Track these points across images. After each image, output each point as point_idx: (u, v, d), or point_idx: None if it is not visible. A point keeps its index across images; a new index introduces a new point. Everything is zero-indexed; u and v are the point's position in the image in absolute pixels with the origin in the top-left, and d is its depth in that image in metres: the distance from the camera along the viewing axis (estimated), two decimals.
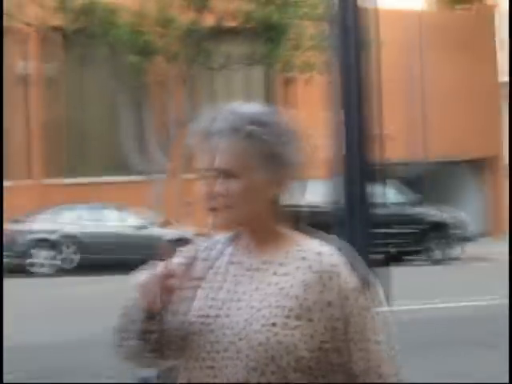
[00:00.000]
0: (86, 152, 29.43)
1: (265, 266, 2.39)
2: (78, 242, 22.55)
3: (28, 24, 25.54)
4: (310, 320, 2.29)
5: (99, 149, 29.33)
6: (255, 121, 2.33)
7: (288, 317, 2.28)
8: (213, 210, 2.36)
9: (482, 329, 12.48)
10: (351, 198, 3.82)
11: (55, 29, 26.21)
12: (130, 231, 23.35)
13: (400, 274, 19.24)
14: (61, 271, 22.10)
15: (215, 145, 2.32)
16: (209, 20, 26.13)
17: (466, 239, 26.79)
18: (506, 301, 14.55)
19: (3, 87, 26.82)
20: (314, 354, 2.28)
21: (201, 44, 26.56)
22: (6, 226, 22.24)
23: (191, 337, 2.39)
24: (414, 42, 29.50)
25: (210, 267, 2.47)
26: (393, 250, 23.49)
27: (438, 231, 25.90)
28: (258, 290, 2.35)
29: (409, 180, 30.27)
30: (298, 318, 2.28)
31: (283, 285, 2.32)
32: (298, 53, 26.32)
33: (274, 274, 2.35)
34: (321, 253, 2.34)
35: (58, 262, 22.72)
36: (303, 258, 2.34)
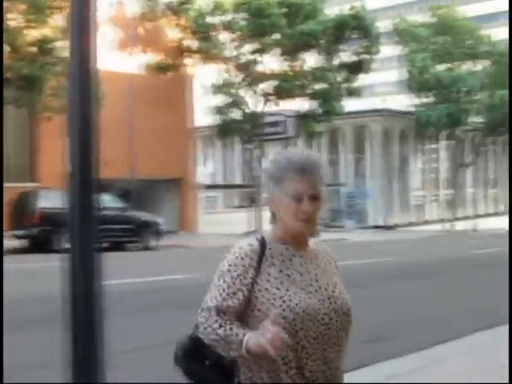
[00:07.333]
0: None
1: (318, 257, 2.56)
2: None
3: None
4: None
5: None
6: (322, 165, 2.49)
7: (345, 287, 2.56)
8: (305, 221, 2.43)
9: (180, 296, 11.95)
10: (82, 205, 3.42)
11: None
12: None
13: (122, 258, 18.82)
14: None
15: (307, 178, 2.41)
16: None
17: (166, 233, 27.09)
18: (196, 275, 14.21)
19: None
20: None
21: None
22: None
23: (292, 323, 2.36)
24: (128, 95, 29.16)
25: (272, 263, 2.46)
26: (116, 240, 23.04)
27: (148, 227, 25.71)
28: (326, 272, 2.52)
29: (121, 193, 30.09)
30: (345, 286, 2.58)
31: (332, 269, 2.58)
32: (54, 99, 24.96)
33: (329, 263, 2.59)
34: (327, 249, 2.65)
35: None
36: (327, 252, 2.62)
